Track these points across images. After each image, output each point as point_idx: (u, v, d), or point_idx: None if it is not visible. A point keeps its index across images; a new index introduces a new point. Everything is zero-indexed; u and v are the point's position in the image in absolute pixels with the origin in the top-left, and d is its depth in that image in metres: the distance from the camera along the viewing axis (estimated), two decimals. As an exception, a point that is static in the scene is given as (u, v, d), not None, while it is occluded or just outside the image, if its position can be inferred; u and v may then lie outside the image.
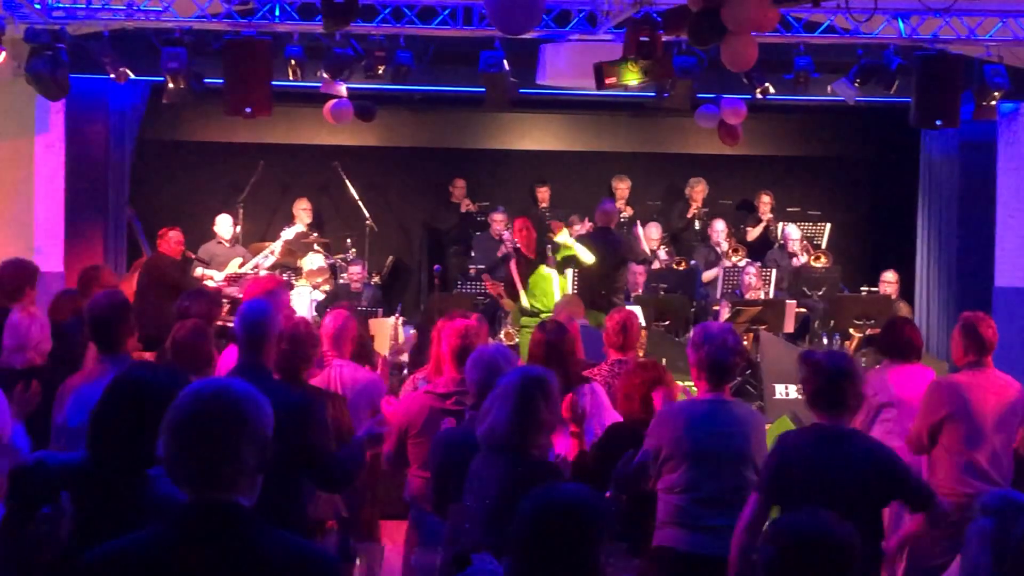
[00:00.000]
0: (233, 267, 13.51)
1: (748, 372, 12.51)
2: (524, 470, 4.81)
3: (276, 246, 13.88)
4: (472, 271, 15.00)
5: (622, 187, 16.21)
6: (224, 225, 14.18)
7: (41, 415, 6.31)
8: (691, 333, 12.94)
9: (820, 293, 14.07)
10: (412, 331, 12.61)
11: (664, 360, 11.16)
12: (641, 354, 12.40)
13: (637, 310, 13.09)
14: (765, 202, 16.01)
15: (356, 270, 14.07)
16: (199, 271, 13.47)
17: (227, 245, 14.11)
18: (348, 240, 15.25)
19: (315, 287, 13.73)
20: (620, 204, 16.01)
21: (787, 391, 11.83)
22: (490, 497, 4.86)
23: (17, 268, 8.47)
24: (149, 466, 3.77)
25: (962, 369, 7.07)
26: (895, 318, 8.82)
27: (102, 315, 6.01)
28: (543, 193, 16.38)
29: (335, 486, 5.77)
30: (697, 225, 16.00)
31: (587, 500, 3.40)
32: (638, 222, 15.52)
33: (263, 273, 13.45)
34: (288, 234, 14.14)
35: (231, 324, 12.35)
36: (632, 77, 10.73)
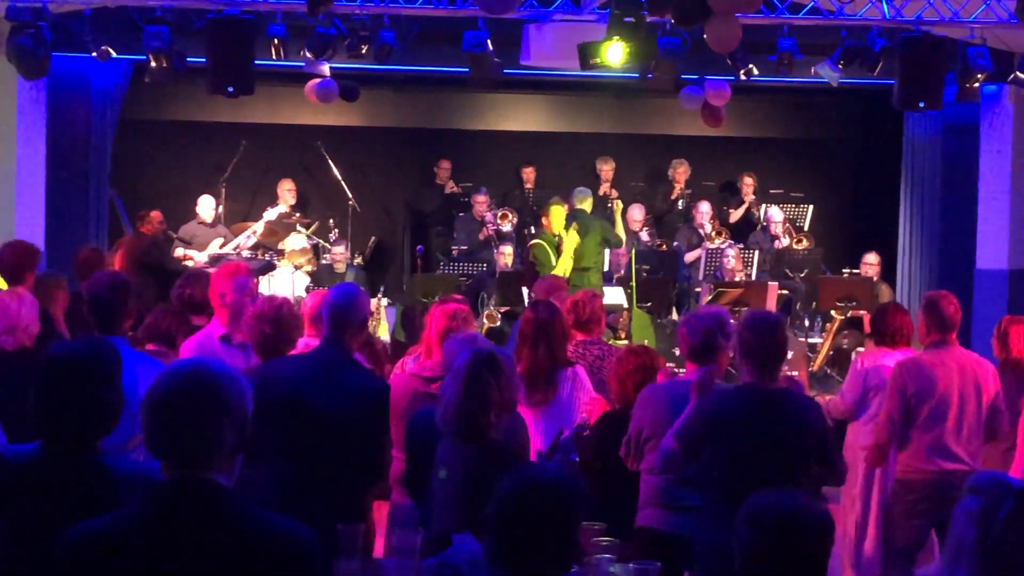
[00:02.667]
0: (214, 247, 13.49)
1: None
2: (485, 457, 4.80)
3: (258, 227, 13.85)
4: (455, 252, 15.01)
5: (606, 169, 16.19)
6: (205, 206, 14.15)
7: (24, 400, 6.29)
8: (675, 315, 13.13)
9: (802, 275, 14.09)
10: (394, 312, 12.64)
11: (646, 341, 11.23)
12: (623, 336, 12.48)
13: (619, 292, 13.12)
14: (748, 184, 16.02)
15: (340, 250, 14.05)
16: (180, 251, 13.44)
17: (207, 226, 14.09)
18: (331, 221, 15.23)
19: (297, 268, 13.71)
20: (605, 186, 16.01)
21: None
22: (455, 484, 4.86)
23: (17, 251, 8.46)
24: (101, 437, 3.78)
25: (926, 348, 7.09)
26: (887, 305, 8.81)
27: (103, 295, 6.00)
28: (529, 174, 16.37)
29: (378, 479, 5.75)
30: (680, 206, 16.01)
31: (565, 480, 3.42)
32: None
33: (245, 254, 13.47)
34: (271, 215, 14.11)
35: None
36: (614, 54, 10.74)
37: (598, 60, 10.73)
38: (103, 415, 3.77)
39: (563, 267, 12.57)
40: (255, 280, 7.54)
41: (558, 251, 12.95)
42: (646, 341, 11.34)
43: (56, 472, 3.70)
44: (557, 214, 13.06)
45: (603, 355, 7.33)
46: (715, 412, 5.41)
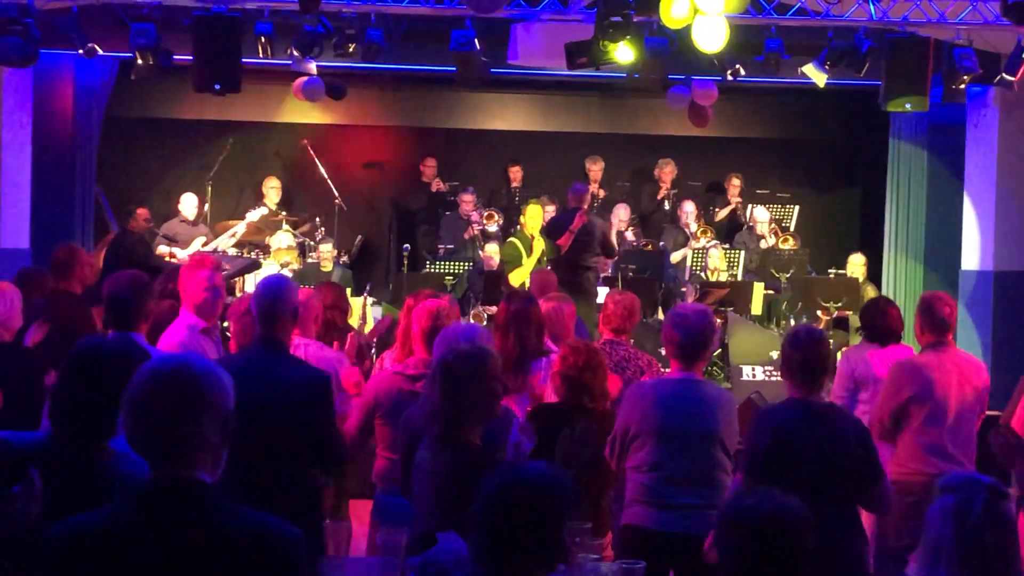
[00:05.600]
0: (196, 246, 13.46)
1: (716, 352, 12.54)
2: (463, 463, 4.72)
3: (240, 227, 13.81)
4: (441, 251, 15.00)
5: (595, 168, 16.18)
6: (188, 204, 14.13)
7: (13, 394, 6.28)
8: (661, 314, 13.15)
9: (788, 275, 14.11)
10: (380, 310, 12.61)
11: (632, 340, 11.22)
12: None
13: (605, 291, 13.14)
14: (735, 184, 16.02)
15: (327, 248, 14.03)
16: (164, 249, 13.41)
17: (190, 224, 14.06)
18: (317, 219, 15.21)
19: (283, 266, 13.69)
20: (593, 186, 16.02)
21: (754, 372, 11.89)
22: (435, 487, 4.81)
23: None
24: (110, 438, 3.76)
25: (924, 350, 7.10)
26: (879, 300, 8.77)
27: (123, 293, 5.99)
28: (515, 173, 16.37)
29: (336, 465, 5.77)
30: (667, 206, 16.02)
31: (551, 478, 3.41)
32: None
33: (230, 252, 13.45)
34: (253, 215, 14.08)
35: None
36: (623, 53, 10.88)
37: (605, 59, 10.79)
38: (113, 415, 3.75)
39: (528, 268, 12.75)
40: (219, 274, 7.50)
41: (530, 251, 13.09)
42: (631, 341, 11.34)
43: (59, 464, 3.68)
44: (532, 214, 13.26)
45: (628, 357, 7.45)
46: (765, 430, 5.48)
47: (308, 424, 5.34)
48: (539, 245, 13.14)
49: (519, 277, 13.01)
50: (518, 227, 13.85)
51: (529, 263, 13.05)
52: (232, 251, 13.53)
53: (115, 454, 3.76)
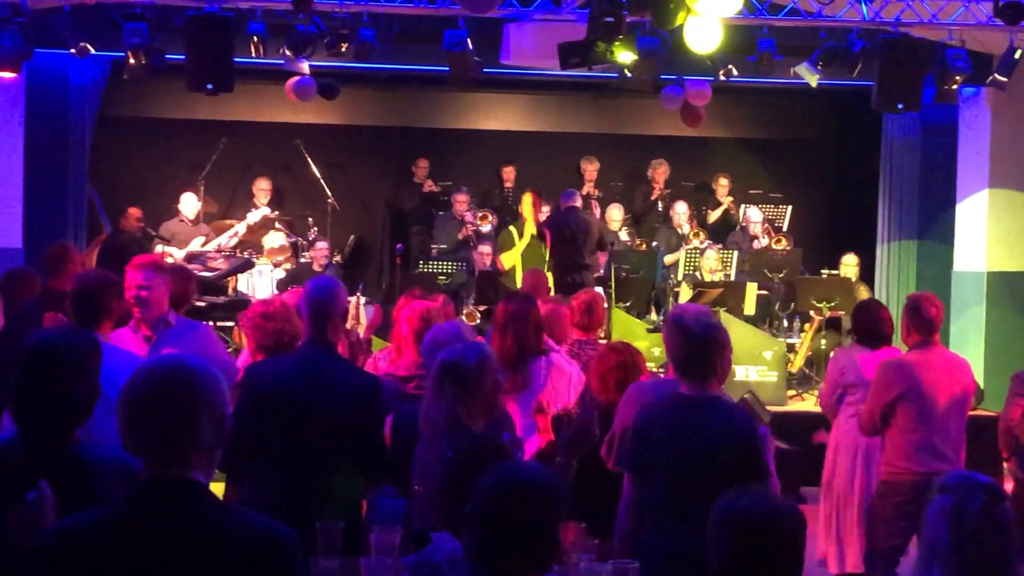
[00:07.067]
0: (195, 245, 13.46)
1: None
2: (466, 446, 4.73)
3: (240, 227, 13.81)
4: (434, 251, 15.00)
5: (591, 169, 16.19)
6: (188, 203, 14.12)
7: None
8: (654, 315, 13.15)
9: (781, 275, 14.11)
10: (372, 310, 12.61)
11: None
12: (601, 335, 12.51)
13: (599, 291, 13.17)
14: (723, 185, 16.04)
15: (322, 246, 14.03)
16: (159, 248, 13.40)
17: (189, 224, 14.04)
18: (310, 219, 15.21)
19: (276, 265, 13.69)
20: (589, 186, 16.02)
21: (747, 372, 11.92)
22: (435, 480, 4.79)
23: None
24: (77, 427, 3.76)
25: (910, 349, 7.13)
26: (871, 302, 8.77)
27: (88, 289, 5.98)
28: (508, 173, 16.36)
29: (383, 478, 5.66)
30: (660, 207, 16.02)
31: (545, 477, 3.41)
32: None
33: (225, 252, 13.45)
34: (255, 216, 14.08)
35: (200, 303, 12.35)
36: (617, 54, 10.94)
37: (607, 59, 10.87)
38: (75, 405, 3.75)
39: (519, 250, 12.91)
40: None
41: (521, 233, 13.17)
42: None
43: (33, 461, 3.67)
44: (526, 201, 13.31)
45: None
46: (643, 421, 5.30)
47: (359, 428, 5.36)
48: (529, 228, 13.19)
49: (510, 259, 13.14)
50: (520, 220, 13.81)
51: (520, 245, 13.13)
52: (228, 252, 13.55)
53: (86, 442, 3.77)
